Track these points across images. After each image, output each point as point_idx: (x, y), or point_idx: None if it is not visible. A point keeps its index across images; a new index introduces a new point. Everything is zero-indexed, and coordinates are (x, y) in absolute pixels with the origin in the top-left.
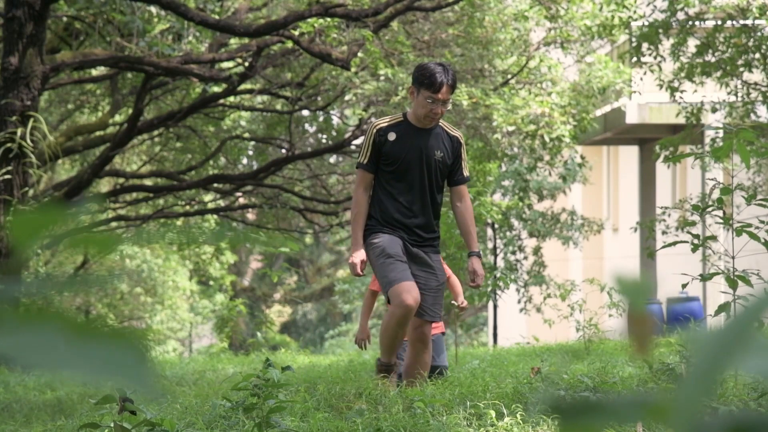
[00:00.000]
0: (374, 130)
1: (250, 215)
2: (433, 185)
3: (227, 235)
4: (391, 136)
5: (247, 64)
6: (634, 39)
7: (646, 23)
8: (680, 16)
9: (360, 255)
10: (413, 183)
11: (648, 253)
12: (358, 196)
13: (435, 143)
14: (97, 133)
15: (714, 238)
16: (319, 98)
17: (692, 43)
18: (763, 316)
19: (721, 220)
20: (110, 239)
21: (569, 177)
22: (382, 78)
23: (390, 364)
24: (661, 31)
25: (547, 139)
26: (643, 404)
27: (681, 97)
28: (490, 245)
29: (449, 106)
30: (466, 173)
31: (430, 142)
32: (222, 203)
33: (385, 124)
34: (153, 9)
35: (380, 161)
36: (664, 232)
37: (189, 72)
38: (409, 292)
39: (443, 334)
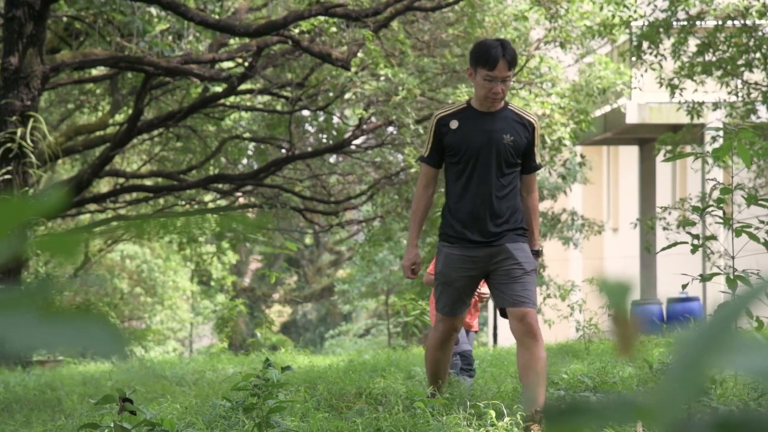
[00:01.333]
0: (435, 121)
1: (250, 215)
2: (504, 172)
3: (233, 216)
4: (453, 124)
5: (247, 64)
6: (634, 39)
7: (647, 23)
8: (681, 15)
9: (412, 257)
10: (482, 171)
11: (646, 247)
12: (419, 193)
13: (503, 126)
14: (97, 133)
15: (714, 237)
16: (319, 98)
17: (693, 43)
18: (745, 313)
19: (721, 220)
20: (75, 239)
21: (569, 177)
22: (382, 78)
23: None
24: (661, 30)
25: (548, 140)
26: (630, 405)
27: (680, 94)
28: None
29: (510, 84)
30: (537, 160)
31: (497, 126)
32: (222, 203)
33: (447, 113)
34: (153, 9)
35: (445, 153)
36: (664, 228)
37: (189, 72)
38: (452, 323)
39: (476, 332)
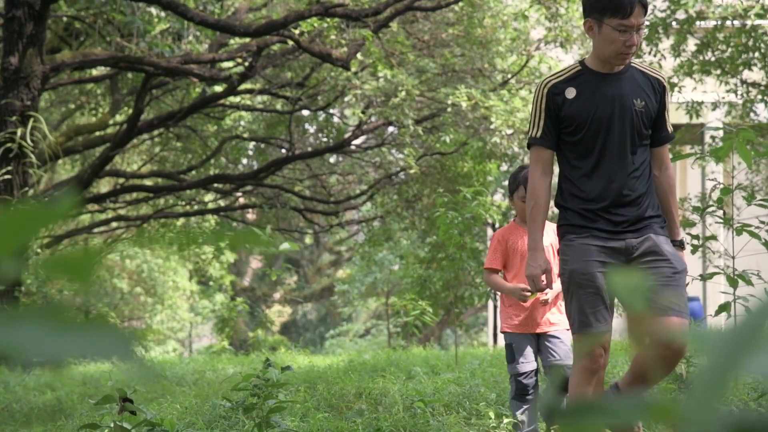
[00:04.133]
0: (545, 90)
1: (250, 215)
2: (637, 145)
3: (227, 235)
4: (570, 93)
5: (247, 64)
6: None
7: (646, 23)
8: (680, 15)
9: (544, 263)
10: (610, 148)
11: None
12: (536, 183)
13: (632, 89)
14: (97, 133)
15: (714, 237)
16: (319, 98)
17: (692, 42)
18: None
19: (721, 220)
20: (89, 258)
21: None
22: (381, 78)
23: None
24: (661, 30)
25: None
26: (643, 404)
27: (679, 92)
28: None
29: (643, 35)
30: (669, 129)
31: (625, 90)
32: (222, 203)
33: (559, 79)
34: (153, 9)
35: (561, 129)
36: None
37: (189, 72)
38: (598, 341)
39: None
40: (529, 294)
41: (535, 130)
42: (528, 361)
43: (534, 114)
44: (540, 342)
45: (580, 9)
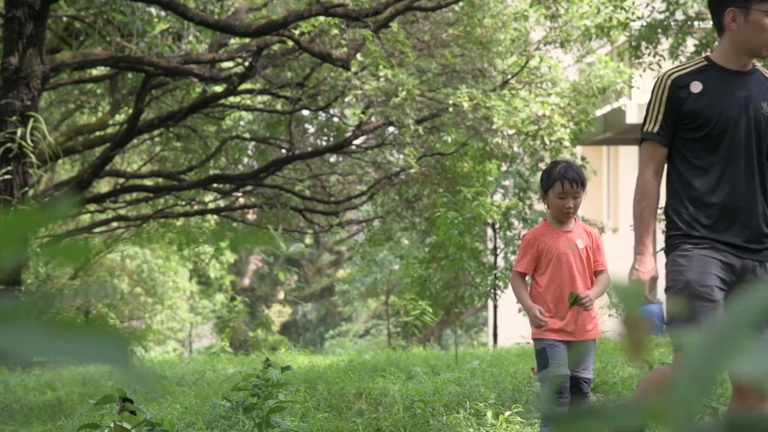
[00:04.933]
0: (668, 82)
1: (250, 215)
2: (763, 154)
3: (228, 235)
4: (695, 87)
5: (247, 64)
6: (633, 40)
7: (644, 23)
8: (679, 16)
9: (651, 270)
10: (736, 152)
11: None
12: (647, 182)
13: (760, 92)
14: (97, 133)
15: None
16: (319, 98)
17: (691, 43)
18: (756, 317)
19: None
20: (84, 248)
21: None
22: (382, 78)
23: None
24: (660, 31)
25: (547, 141)
26: (640, 407)
27: None
28: (490, 245)
29: None
30: None
31: (753, 90)
32: (222, 203)
33: (684, 71)
34: (153, 9)
35: (680, 126)
36: (663, 231)
37: (189, 72)
38: None
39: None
40: (544, 322)
41: (652, 124)
42: (562, 365)
43: (652, 107)
44: (569, 349)
45: (580, 9)
